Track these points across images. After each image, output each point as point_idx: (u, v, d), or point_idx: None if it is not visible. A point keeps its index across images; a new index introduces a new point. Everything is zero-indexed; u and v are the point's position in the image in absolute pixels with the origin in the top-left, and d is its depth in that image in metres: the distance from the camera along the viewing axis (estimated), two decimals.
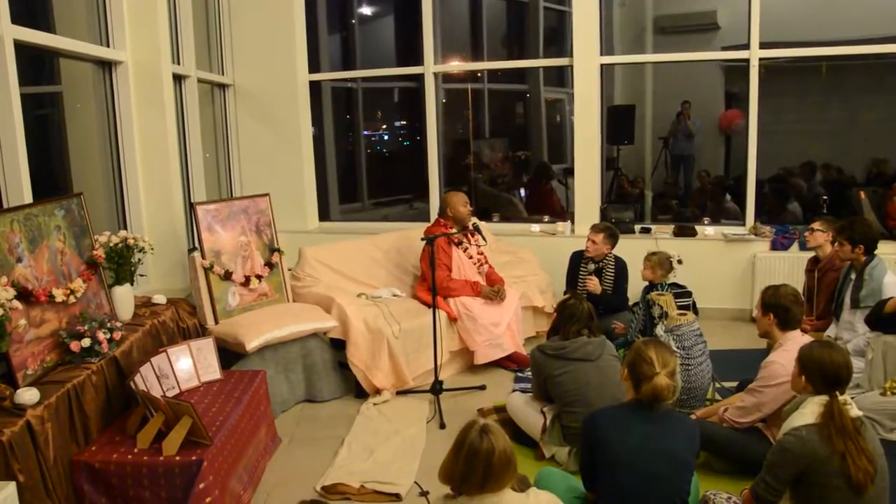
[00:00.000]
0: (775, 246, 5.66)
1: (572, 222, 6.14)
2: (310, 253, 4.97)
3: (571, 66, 5.95)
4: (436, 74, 6.39)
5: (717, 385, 4.02)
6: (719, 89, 8.14)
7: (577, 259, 5.10)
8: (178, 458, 2.71)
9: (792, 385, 2.61)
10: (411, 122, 8.39)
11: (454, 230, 4.83)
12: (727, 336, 5.30)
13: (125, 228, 4.71)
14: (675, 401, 2.58)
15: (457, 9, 8.39)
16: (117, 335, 3.18)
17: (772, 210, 6.56)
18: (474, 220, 4.88)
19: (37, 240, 3.03)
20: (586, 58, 5.88)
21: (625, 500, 2.43)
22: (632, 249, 5.18)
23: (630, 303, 5.14)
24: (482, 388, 4.43)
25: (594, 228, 4.98)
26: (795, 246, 5.60)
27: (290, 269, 4.85)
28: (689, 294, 4.66)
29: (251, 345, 3.90)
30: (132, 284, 3.70)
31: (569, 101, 7.01)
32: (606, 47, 6.18)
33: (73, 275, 3.25)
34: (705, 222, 6.10)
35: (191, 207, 4.38)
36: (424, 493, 3.16)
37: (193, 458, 2.70)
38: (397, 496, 3.14)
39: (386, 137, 8.90)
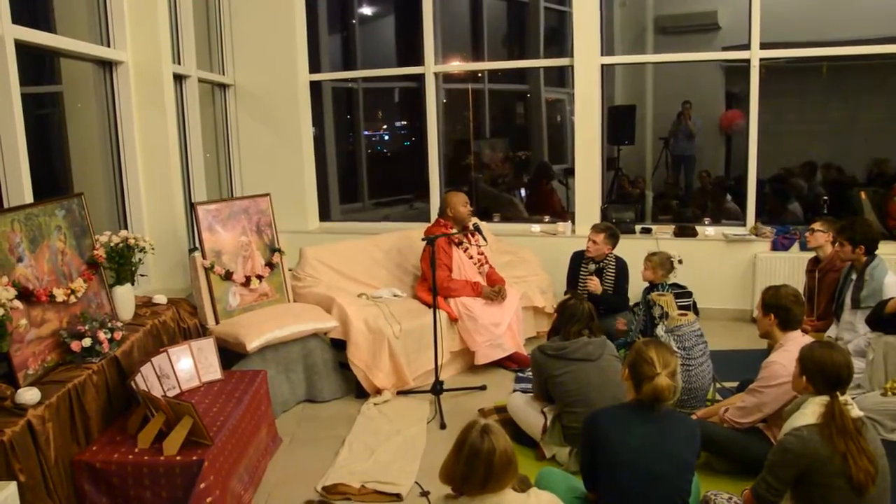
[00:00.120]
0: (776, 246, 5.66)
1: (573, 222, 6.14)
2: (310, 253, 4.97)
3: (572, 67, 5.95)
4: (436, 74, 6.39)
5: (718, 385, 4.02)
6: (720, 89, 8.14)
7: (578, 259, 5.10)
8: (178, 458, 2.71)
9: (793, 385, 2.61)
10: (412, 122, 8.39)
11: (454, 230, 4.83)
12: (728, 336, 5.29)
13: (126, 228, 4.71)
14: (676, 401, 2.57)
15: (457, 9, 8.40)
16: (118, 335, 3.18)
17: (772, 210, 6.56)
18: (475, 220, 4.88)
19: (37, 240, 3.03)
20: (587, 58, 5.87)
21: (626, 501, 2.43)
22: (632, 250, 5.18)
23: (631, 303, 5.14)
24: (483, 388, 4.43)
25: (595, 228, 4.98)
26: (796, 246, 5.60)
27: (290, 270, 4.86)
28: (689, 294, 4.67)
29: (252, 345, 3.90)
30: (133, 284, 3.70)
31: (569, 101, 7.02)
32: (607, 47, 6.18)
33: (73, 275, 3.25)
34: (706, 222, 6.10)
35: (191, 207, 4.38)
36: (425, 494, 3.16)
37: (194, 458, 2.70)
38: (398, 496, 3.14)
39: (386, 137, 8.90)
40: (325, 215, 6.92)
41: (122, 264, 3.60)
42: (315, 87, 6.71)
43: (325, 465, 3.44)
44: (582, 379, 3.35)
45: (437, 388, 4.12)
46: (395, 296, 4.90)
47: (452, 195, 4.93)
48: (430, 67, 6.31)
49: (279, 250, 4.61)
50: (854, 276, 4.23)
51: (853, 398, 2.43)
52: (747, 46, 5.65)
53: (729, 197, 6.95)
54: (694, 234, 5.88)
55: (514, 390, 4.17)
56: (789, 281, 3.85)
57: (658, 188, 7.99)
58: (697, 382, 3.76)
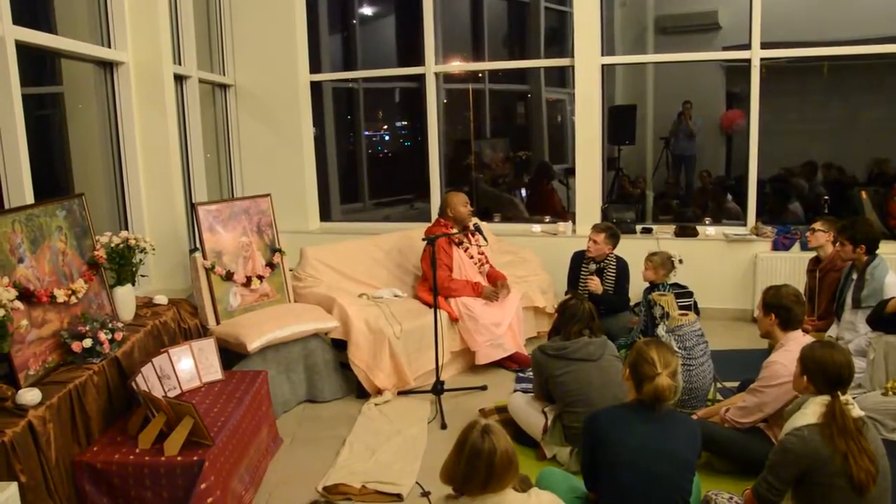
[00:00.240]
0: (777, 246, 5.65)
1: (573, 222, 6.14)
2: (311, 253, 4.97)
3: (572, 67, 5.95)
4: (437, 74, 6.39)
5: (719, 385, 4.02)
6: (720, 89, 8.14)
7: (579, 259, 5.10)
8: (179, 458, 2.71)
9: (794, 385, 2.61)
10: (412, 122, 8.40)
11: (455, 230, 4.83)
12: (728, 336, 5.29)
13: (126, 229, 4.71)
14: (677, 401, 2.57)
15: (458, 9, 8.40)
16: (119, 335, 3.18)
17: (773, 210, 6.56)
18: (475, 220, 4.88)
19: (38, 240, 3.04)
20: (587, 58, 5.87)
21: (626, 500, 2.43)
22: (633, 250, 5.18)
23: (631, 303, 5.14)
24: (483, 388, 4.43)
25: (595, 228, 4.98)
26: (797, 246, 5.60)
27: (291, 270, 4.86)
28: (690, 294, 4.67)
29: (252, 345, 3.90)
30: (133, 285, 3.70)
31: (570, 101, 7.02)
32: (607, 47, 6.18)
33: (74, 275, 3.25)
34: (706, 222, 6.09)
35: (192, 208, 4.39)
36: (426, 494, 3.16)
37: (195, 458, 2.70)
38: (399, 496, 3.14)
39: (387, 138, 8.90)
40: (325, 215, 6.92)
41: (123, 265, 3.60)
42: (315, 88, 6.72)
43: (325, 466, 3.44)
44: (583, 379, 3.35)
45: (438, 389, 4.12)
46: (395, 296, 4.90)
47: (453, 195, 4.94)
48: (431, 67, 6.32)
49: (280, 250, 4.61)
50: (855, 276, 4.23)
51: (854, 398, 2.43)
52: (748, 46, 5.65)
53: (729, 197, 6.96)
54: (694, 234, 5.88)
55: (515, 390, 4.17)
56: (790, 281, 3.85)
57: (659, 188, 7.99)
58: (698, 382, 3.76)
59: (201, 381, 3.46)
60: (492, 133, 8.53)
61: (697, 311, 5.07)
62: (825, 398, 2.36)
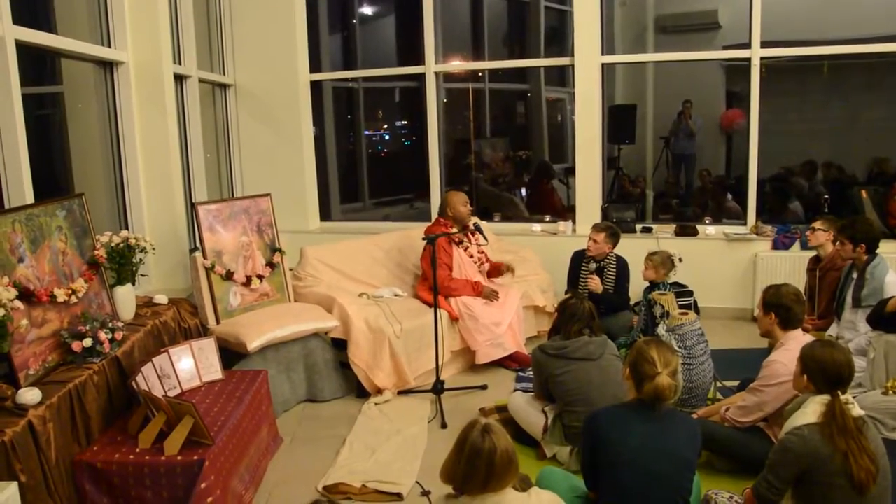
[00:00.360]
0: (777, 245, 5.65)
1: (573, 222, 6.14)
2: (311, 253, 4.97)
3: (572, 66, 5.95)
4: (437, 74, 6.39)
5: (719, 384, 4.02)
6: (720, 88, 8.13)
7: (579, 258, 5.10)
8: (179, 457, 2.71)
9: (794, 384, 2.61)
10: (412, 121, 8.39)
11: (454, 229, 4.82)
12: (729, 335, 5.29)
13: (126, 228, 4.71)
14: (677, 400, 2.57)
15: (458, 8, 8.39)
16: (119, 335, 3.18)
17: (773, 209, 6.56)
18: (475, 219, 4.88)
19: (38, 240, 3.04)
20: (587, 57, 5.87)
21: (626, 500, 2.43)
22: (633, 249, 5.19)
23: (631, 302, 5.14)
24: (483, 387, 4.43)
25: (595, 228, 4.98)
26: (797, 245, 5.60)
27: (291, 269, 4.86)
28: (690, 293, 4.67)
29: (253, 345, 3.90)
30: (133, 284, 3.71)
31: (570, 100, 7.02)
32: (607, 47, 6.18)
33: (74, 275, 3.25)
34: (706, 222, 6.09)
35: (192, 207, 4.39)
36: (426, 493, 3.16)
37: (195, 457, 2.70)
38: (399, 496, 3.14)
39: (387, 137, 8.90)
40: (325, 215, 6.92)
41: (123, 264, 3.60)
42: (315, 87, 6.72)
43: (325, 465, 3.45)
44: (583, 378, 3.35)
45: (438, 388, 4.12)
46: (395, 295, 4.90)
47: (452, 194, 4.94)
48: (431, 67, 6.32)
49: (280, 250, 4.61)
50: (855, 275, 4.23)
51: (854, 397, 2.43)
52: (748, 45, 5.65)
53: (729, 196, 6.95)
54: (694, 233, 5.88)
55: (515, 390, 4.17)
56: (790, 280, 3.86)
57: (658, 187, 7.99)
58: (698, 381, 3.76)
59: (201, 381, 3.46)
60: (492, 132, 8.52)
61: (697, 311, 5.08)
62: (825, 397, 2.36)
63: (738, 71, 7.01)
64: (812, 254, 4.82)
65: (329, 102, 7.30)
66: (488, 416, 3.86)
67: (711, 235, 5.85)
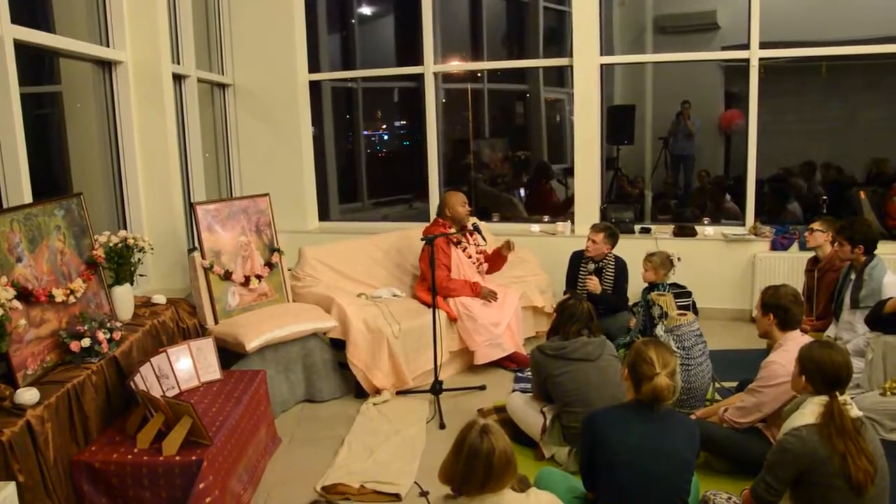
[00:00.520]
0: (775, 246, 5.66)
1: (572, 222, 6.14)
2: (309, 253, 4.97)
3: (571, 66, 5.96)
4: (436, 74, 6.39)
5: (717, 385, 4.02)
6: (719, 89, 8.13)
7: (577, 259, 5.10)
8: (178, 458, 2.71)
9: (792, 385, 2.61)
10: (411, 121, 8.39)
11: (453, 230, 4.82)
12: (727, 336, 5.30)
13: (125, 228, 4.71)
14: (675, 401, 2.57)
15: (457, 8, 8.39)
16: (117, 335, 3.18)
17: (771, 210, 6.56)
18: (474, 219, 4.88)
19: (37, 240, 3.03)
20: (586, 58, 5.88)
21: (625, 500, 2.43)
22: (632, 249, 5.19)
23: (630, 303, 5.14)
24: (482, 388, 4.43)
25: (594, 228, 4.98)
26: (795, 246, 5.60)
27: (289, 269, 4.85)
28: (688, 294, 4.67)
29: (251, 345, 3.90)
30: (132, 284, 3.70)
31: (569, 100, 7.01)
32: (606, 47, 6.18)
33: (72, 275, 3.25)
34: (705, 222, 6.10)
35: (191, 207, 4.38)
36: (424, 494, 3.16)
37: (193, 458, 2.70)
38: (397, 496, 3.14)
39: (386, 137, 8.90)
40: (324, 215, 6.92)
41: (122, 264, 3.60)
42: (314, 87, 6.71)
43: (324, 465, 3.45)
44: (581, 379, 3.35)
45: (437, 388, 4.12)
46: (394, 295, 4.90)
47: (451, 195, 4.94)
48: (430, 67, 6.32)
49: (278, 250, 4.61)
50: (853, 276, 4.23)
51: (852, 398, 2.44)
52: (746, 46, 5.66)
53: (728, 197, 6.95)
54: (693, 233, 5.89)
55: (514, 390, 4.18)
56: (788, 281, 3.85)
57: (657, 188, 7.99)
58: (697, 382, 3.76)
59: (200, 381, 3.46)
60: (490, 133, 8.52)
61: (696, 311, 5.08)
62: (823, 398, 2.36)
63: (736, 71, 7.02)
64: (810, 255, 4.83)
65: (328, 102, 7.30)
66: (487, 416, 3.85)
67: (710, 236, 5.85)
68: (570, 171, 6.60)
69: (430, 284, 4.28)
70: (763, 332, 3.24)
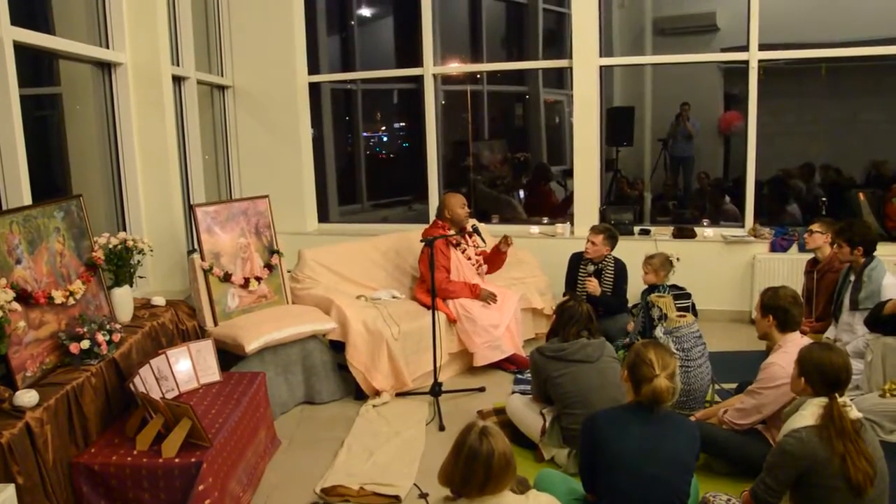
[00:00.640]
0: (774, 247, 5.66)
1: (572, 224, 6.15)
2: (309, 255, 4.97)
3: (571, 68, 5.96)
4: (435, 76, 6.39)
5: (717, 387, 4.02)
6: (718, 91, 8.14)
7: (577, 260, 5.10)
8: (177, 459, 2.71)
9: (791, 387, 2.61)
10: (410, 123, 8.40)
11: (452, 232, 4.82)
12: (726, 338, 5.29)
13: (124, 230, 4.71)
14: (675, 403, 2.57)
15: (456, 10, 8.40)
16: (116, 337, 3.18)
17: (771, 212, 6.56)
18: (473, 221, 4.88)
19: (36, 241, 3.03)
20: (585, 59, 5.88)
21: (624, 502, 2.42)
22: (631, 251, 5.19)
23: (629, 304, 5.14)
24: (482, 389, 4.43)
25: (594, 230, 4.98)
26: (794, 247, 5.61)
27: (289, 271, 4.85)
28: (688, 296, 4.67)
29: (250, 346, 3.90)
30: (131, 286, 3.70)
31: (568, 102, 7.03)
32: (606, 49, 6.19)
33: (72, 276, 3.24)
34: (704, 224, 6.10)
35: (190, 209, 4.38)
36: (424, 496, 3.15)
37: (193, 459, 2.70)
38: (397, 498, 3.14)
39: (385, 139, 8.91)
40: (323, 217, 6.92)
41: (121, 266, 3.60)
42: (314, 89, 6.72)
43: (323, 467, 3.44)
44: (581, 380, 3.35)
45: (436, 390, 4.12)
46: (393, 297, 4.90)
47: (450, 197, 4.93)
48: (429, 69, 6.32)
49: (278, 252, 4.61)
50: (852, 278, 4.23)
51: (852, 399, 2.44)
52: (746, 48, 5.66)
53: (727, 198, 6.95)
54: (692, 235, 5.89)
55: (513, 392, 4.18)
56: (788, 282, 3.85)
57: (657, 190, 7.99)
58: (696, 384, 3.76)
59: (199, 383, 3.45)
60: (490, 134, 8.53)
61: (695, 313, 5.07)
62: (823, 400, 2.36)
63: (736, 73, 7.02)
64: (810, 256, 4.83)
65: (327, 104, 7.31)
66: (486, 418, 3.85)
67: (709, 238, 5.85)
68: (569, 173, 6.60)
69: (430, 286, 4.28)
70: (762, 333, 3.24)
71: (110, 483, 2.71)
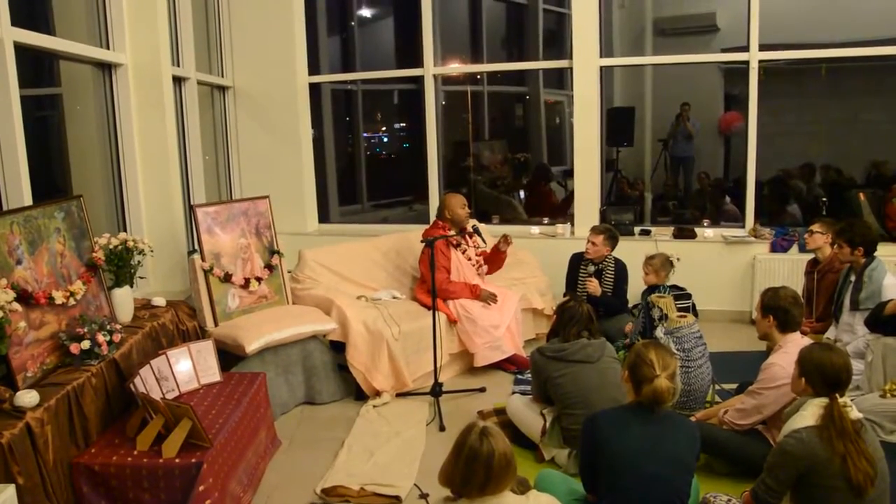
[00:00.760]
0: (775, 248, 5.66)
1: (572, 224, 6.15)
2: (309, 255, 4.97)
3: (571, 69, 5.96)
4: (435, 76, 6.39)
5: (717, 387, 4.02)
6: (719, 91, 8.14)
7: (577, 261, 5.10)
8: (177, 460, 2.71)
9: (792, 387, 2.61)
10: (411, 124, 8.40)
11: (452, 232, 4.82)
12: (727, 338, 5.29)
13: (125, 230, 4.71)
14: (675, 403, 2.57)
15: (456, 11, 8.40)
16: (117, 337, 3.18)
17: (771, 212, 6.56)
18: (473, 222, 4.87)
19: (36, 242, 3.03)
20: (586, 60, 5.88)
21: (625, 502, 2.42)
22: (632, 251, 5.19)
23: (630, 305, 5.14)
24: (482, 390, 4.43)
25: (594, 230, 4.98)
26: (795, 248, 5.61)
27: (289, 272, 4.85)
28: (688, 296, 4.66)
29: (251, 347, 3.90)
30: (132, 287, 3.70)
31: (568, 103, 7.02)
32: (606, 49, 6.19)
33: (72, 277, 3.25)
34: (705, 224, 6.10)
35: (190, 210, 4.38)
36: (424, 496, 3.15)
37: (193, 460, 2.70)
38: (397, 498, 3.14)
39: (385, 139, 8.91)
40: (324, 217, 6.92)
41: (121, 266, 3.61)
42: (314, 89, 6.72)
43: (324, 468, 3.44)
44: (581, 381, 3.35)
45: (437, 391, 4.12)
46: (393, 297, 4.90)
47: (450, 197, 4.93)
48: (430, 69, 6.32)
49: (278, 252, 4.61)
50: (853, 278, 4.23)
51: (852, 400, 2.44)
52: (746, 48, 5.66)
53: (728, 198, 6.95)
54: (693, 235, 5.89)
55: (514, 392, 4.18)
56: (788, 282, 3.86)
57: (657, 190, 7.99)
58: (697, 384, 3.76)
59: (199, 383, 3.45)
60: (490, 135, 8.53)
61: (696, 313, 5.07)
62: (823, 400, 2.36)
63: (736, 73, 7.02)
64: (810, 256, 4.82)
65: (328, 105, 7.31)
66: (486, 418, 3.85)
67: (710, 238, 5.85)
68: (569, 173, 6.60)
69: (430, 287, 4.28)
70: (763, 333, 3.24)
71: (111, 483, 2.71)
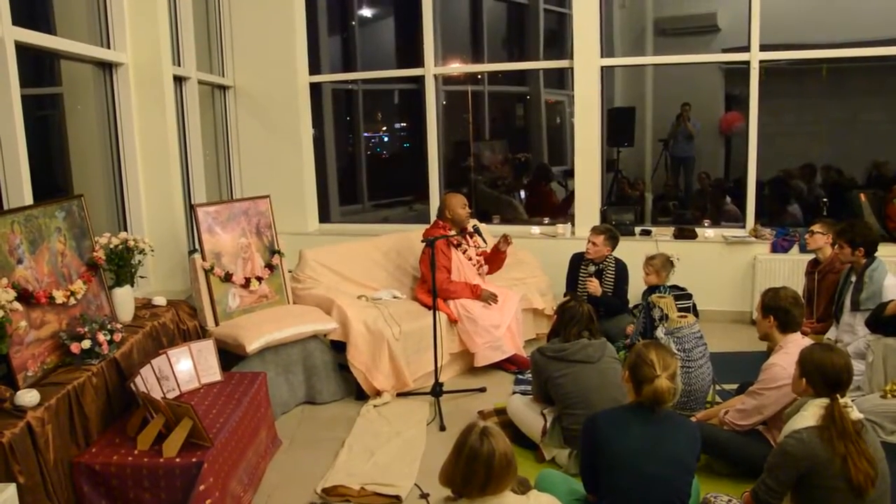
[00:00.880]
0: (775, 248, 5.66)
1: (573, 224, 6.15)
2: (310, 255, 4.97)
3: (572, 69, 5.96)
4: (436, 76, 6.39)
5: (718, 387, 4.02)
6: (719, 91, 8.13)
7: (578, 261, 5.10)
8: (178, 459, 2.71)
9: (792, 388, 2.61)
10: (411, 123, 8.40)
11: (453, 232, 4.82)
12: (727, 338, 5.29)
13: (125, 230, 4.71)
14: (676, 403, 2.57)
15: (457, 11, 8.40)
16: (117, 337, 3.18)
17: (772, 212, 6.56)
18: (474, 221, 4.87)
19: (37, 241, 3.03)
20: (586, 60, 5.88)
21: (625, 503, 2.43)
22: (632, 251, 5.20)
23: (630, 305, 5.14)
24: (482, 390, 4.43)
25: (595, 230, 4.98)
26: (795, 248, 5.60)
27: (290, 271, 4.85)
28: (689, 296, 4.67)
29: (251, 346, 3.90)
30: (132, 286, 3.70)
31: (569, 103, 7.02)
32: (606, 49, 6.19)
33: (73, 276, 3.25)
34: (705, 224, 6.10)
35: (191, 209, 4.39)
36: (425, 496, 3.16)
37: (194, 459, 2.70)
38: (398, 498, 3.14)
39: (386, 139, 8.91)
40: (324, 217, 6.92)
41: (122, 266, 3.60)
42: (315, 89, 6.72)
43: (324, 467, 3.44)
44: (582, 381, 3.35)
45: (437, 390, 4.12)
46: (394, 297, 4.90)
47: (451, 197, 4.93)
48: (430, 69, 6.32)
49: (279, 252, 4.61)
50: (854, 278, 4.23)
51: (853, 400, 2.44)
52: (747, 48, 5.66)
53: (728, 199, 6.95)
54: (693, 236, 5.89)
55: (514, 392, 4.18)
56: (789, 283, 3.86)
57: (657, 190, 7.99)
58: (697, 384, 3.76)
59: (200, 383, 3.45)
60: (491, 135, 8.53)
61: (696, 314, 5.07)
62: (824, 401, 2.36)
63: (737, 74, 7.02)
64: (811, 257, 4.82)
65: (328, 104, 7.31)
66: (487, 418, 3.85)
67: (710, 238, 5.85)
68: (570, 174, 6.60)
69: (431, 286, 4.28)
70: (763, 334, 3.24)
71: (111, 483, 2.71)
